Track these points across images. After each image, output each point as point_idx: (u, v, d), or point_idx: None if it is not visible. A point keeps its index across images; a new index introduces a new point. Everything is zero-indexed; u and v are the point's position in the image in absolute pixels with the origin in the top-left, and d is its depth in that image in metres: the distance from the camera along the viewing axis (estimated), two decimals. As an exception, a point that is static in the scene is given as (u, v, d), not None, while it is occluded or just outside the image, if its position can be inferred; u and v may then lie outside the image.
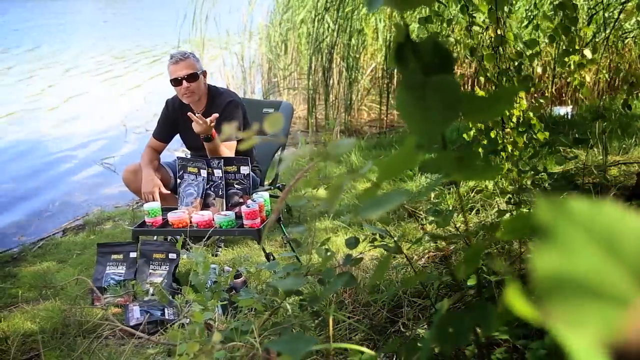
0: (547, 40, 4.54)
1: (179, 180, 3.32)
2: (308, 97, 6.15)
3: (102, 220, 4.59)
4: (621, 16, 3.75)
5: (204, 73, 3.54)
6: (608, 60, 4.50)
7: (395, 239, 2.07)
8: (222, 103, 3.51)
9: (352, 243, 1.92)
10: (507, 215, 2.48)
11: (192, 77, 3.43)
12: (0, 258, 4.04)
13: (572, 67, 2.84)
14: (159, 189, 3.37)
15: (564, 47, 2.76)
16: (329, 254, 1.99)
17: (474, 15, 2.83)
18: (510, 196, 2.35)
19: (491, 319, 0.89)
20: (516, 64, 2.63)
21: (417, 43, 0.89)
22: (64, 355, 2.47)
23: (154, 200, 3.31)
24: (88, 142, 6.99)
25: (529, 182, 2.16)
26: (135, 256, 3.19)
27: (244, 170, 3.18)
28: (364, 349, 1.38)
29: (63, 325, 2.82)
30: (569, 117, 4.76)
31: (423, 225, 2.49)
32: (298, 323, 1.87)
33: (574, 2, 2.73)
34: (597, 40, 3.97)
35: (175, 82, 3.44)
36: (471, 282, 2.16)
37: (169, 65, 3.48)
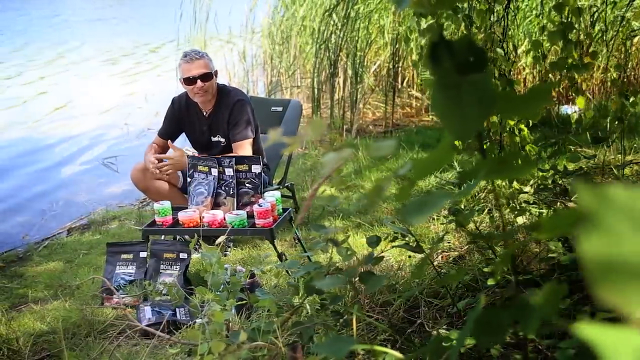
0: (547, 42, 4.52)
1: (189, 180, 3.29)
2: (313, 96, 6.12)
3: (107, 219, 4.56)
4: (628, 14, 3.75)
5: (216, 72, 3.52)
6: (616, 60, 4.50)
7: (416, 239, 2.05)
8: (230, 102, 3.49)
9: (374, 242, 1.90)
10: (526, 214, 2.47)
11: (206, 77, 3.40)
12: (6, 258, 4.01)
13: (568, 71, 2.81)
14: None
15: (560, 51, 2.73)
16: (349, 253, 1.98)
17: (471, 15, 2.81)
18: (529, 196, 2.34)
19: (532, 318, 0.89)
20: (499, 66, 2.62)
21: (451, 42, 0.89)
22: (83, 356, 2.44)
23: (158, 166, 3.37)
24: (90, 141, 6.95)
25: (549, 182, 2.14)
26: (145, 256, 3.16)
27: (255, 169, 3.15)
28: (393, 352, 1.37)
29: (74, 326, 2.80)
30: (577, 115, 4.72)
31: (468, 226, 2.49)
32: (320, 323, 1.85)
33: (576, 6, 2.71)
34: (604, 39, 3.95)
35: (188, 81, 3.41)
36: (491, 282, 2.15)
37: (182, 64, 3.45)
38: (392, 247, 2.01)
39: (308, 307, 1.91)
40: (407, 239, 2.01)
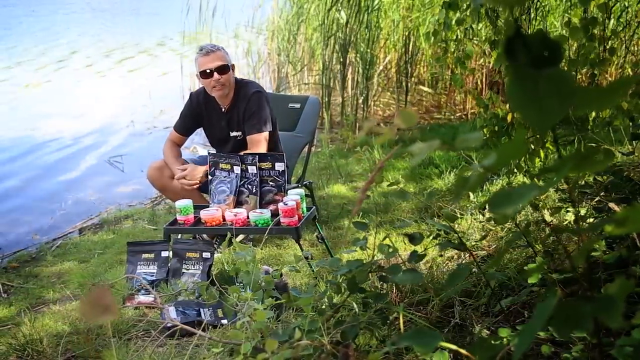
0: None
1: (210, 177, 3.24)
2: (322, 93, 6.07)
3: (119, 218, 4.50)
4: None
5: (233, 66, 3.48)
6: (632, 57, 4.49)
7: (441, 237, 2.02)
8: (247, 94, 3.45)
9: (417, 239, 1.87)
10: (562, 211, 2.44)
11: (223, 69, 3.36)
12: (19, 258, 3.95)
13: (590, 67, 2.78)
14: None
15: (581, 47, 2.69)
16: (391, 250, 1.94)
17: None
18: (564, 194, 2.31)
19: (616, 311, 0.89)
20: None
21: (527, 37, 0.90)
22: (122, 355, 2.40)
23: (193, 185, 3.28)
24: (95, 140, 6.88)
25: (590, 179, 2.11)
26: (166, 255, 3.12)
27: (279, 166, 3.11)
28: (456, 348, 1.34)
29: (97, 326, 2.75)
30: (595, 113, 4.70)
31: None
32: (366, 321, 1.82)
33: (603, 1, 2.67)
34: (624, 34, 3.93)
35: (205, 74, 3.37)
36: (532, 280, 2.12)
37: (198, 58, 3.40)
38: (436, 244, 1.97)
39: (355, 305, 1.87)
40: (449, 236, 1.98)
